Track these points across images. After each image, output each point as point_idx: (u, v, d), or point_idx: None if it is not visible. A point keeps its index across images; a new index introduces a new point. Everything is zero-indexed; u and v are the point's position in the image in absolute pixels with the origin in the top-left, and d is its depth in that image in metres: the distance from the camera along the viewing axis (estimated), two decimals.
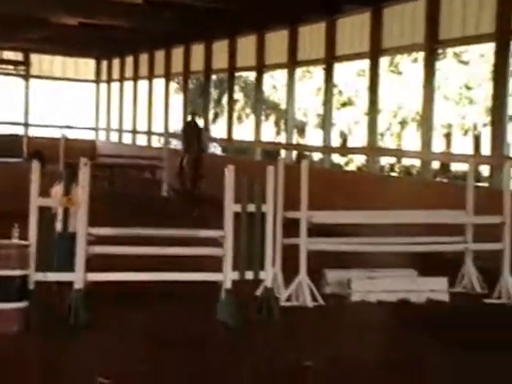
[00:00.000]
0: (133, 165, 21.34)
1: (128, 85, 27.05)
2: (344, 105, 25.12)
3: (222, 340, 6.79)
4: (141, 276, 7.43)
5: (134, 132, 26.55)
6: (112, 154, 23.53)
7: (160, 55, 24.28)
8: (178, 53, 23.15)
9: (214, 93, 25.77)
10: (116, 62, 28.24)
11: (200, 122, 18.90)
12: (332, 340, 6.93)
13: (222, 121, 24.61)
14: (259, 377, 5.87)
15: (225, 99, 24.04)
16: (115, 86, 28.36)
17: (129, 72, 26.89)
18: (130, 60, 26.71)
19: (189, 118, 18.08)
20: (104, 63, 29.36)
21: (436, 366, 6.25)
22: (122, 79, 27.61)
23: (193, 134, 16.72)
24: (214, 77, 23.23)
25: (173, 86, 26.01)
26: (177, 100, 24.85)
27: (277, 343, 6.73)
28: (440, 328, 7.45)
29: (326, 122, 16.73)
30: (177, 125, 23.99)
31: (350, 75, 23.34)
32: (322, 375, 5.97)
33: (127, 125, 27.08)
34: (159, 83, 24.76)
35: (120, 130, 27.88)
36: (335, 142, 21.46)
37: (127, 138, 27.36)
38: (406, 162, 22.96)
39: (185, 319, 7.35)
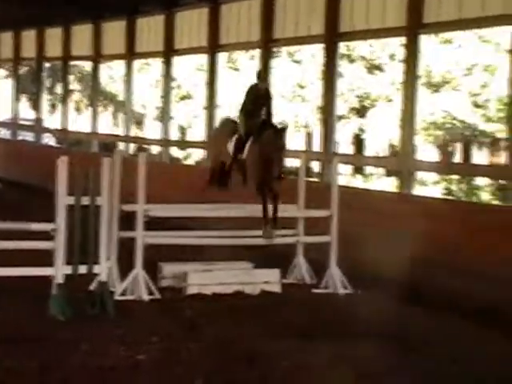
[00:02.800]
0: None
1: None
2: (183, 98, 25.18)
3: (52, 335, 6.60)
4: None
5: None
6: None
7: None
8: (7, 37, 22.11)
9: (47, 81, 24.85)
10: None
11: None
12: (166, 333, 6.94)
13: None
14: (88, 373, 5.76)
15: (60, 89, 23.29)
16: None
17: None
18: None
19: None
20: None
21: (269, 354, 6.43)
22: None
23: None
24: (47, 65, 22.42)
25: (2, 72, 24.82)
26: (7, 87, 23.74)
27: (109, 338, 6.64)
28: (272, 317, 7.67)
29: (164, 115, 16.69)
30: (5, 113, 22.91)
31: (189, 69, 23.43)
32: (154, 369, 5.97)
33: None
34: None
35: None
36: (174, 135, 21.46)
37: None
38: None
39: (17, 315, 7.09)
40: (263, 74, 9.86)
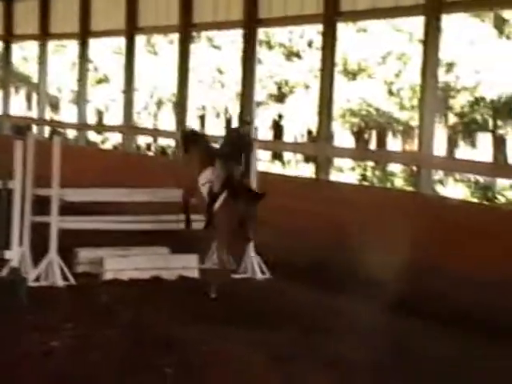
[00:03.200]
0: None
1: None
2: (100, 81, 24.72)
3: None
4: None
5: None
6: None
7: None
8: None
9: None
10: None
11: None
12: (81, 319, 6.84)
13: None
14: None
15: None
16: None
17: None
18: None
19: None
20: None
21: (186, 340, 6.43)
22: None
23: None
24: None
25: None
26: None
27: (22, 325, 6.48)
28: (189, 303, 7.66)
29: (80, 98, 16.35)
30: None
31: (107, 52, 23.00)
32: (68, 355, 5.87)
33: None
34: None
35: None
36: (91, 119, 21.05)
37: None
38: (162, 141, 23.22)
39: None
40: (246, 119, 9.52)
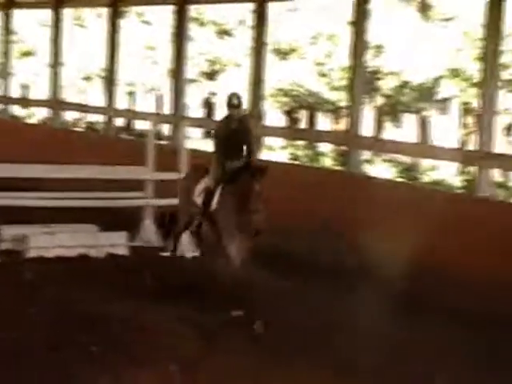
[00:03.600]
0: None
1: None
2: (25, 54, 24.04)
3: None
4: None
5: None
6: None
7: None
8: None
9: None
10: None
11: None
12: (3, 296, 6.70)
13: None
14: None
15: None
16: None
17: None
18: None
19: None
20: None
21: (113, 316, 6.39)
22: None
23: None
24: None
25: None
26: None
27: None
28: (117, 280, 7.60)
29: (4, 72, 15.88)
30: None
31: (33, 24, 22.39)
32: None
33: None
34: None
35: None
36: (15, 93, 20.46)
37: None
38: (90, 117, 22.81)
39: None
40: (235, 99, 7.14)
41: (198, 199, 7.27)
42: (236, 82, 21.03)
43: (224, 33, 22.42)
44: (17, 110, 20.85)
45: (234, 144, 6.99)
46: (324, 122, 21.65)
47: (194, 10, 17.34)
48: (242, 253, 6.88)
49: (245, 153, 7.09)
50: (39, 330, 5.93)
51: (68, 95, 23.09)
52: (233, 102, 7.03)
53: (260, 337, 6.16)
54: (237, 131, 7.02)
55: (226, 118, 7.16)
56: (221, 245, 7.04)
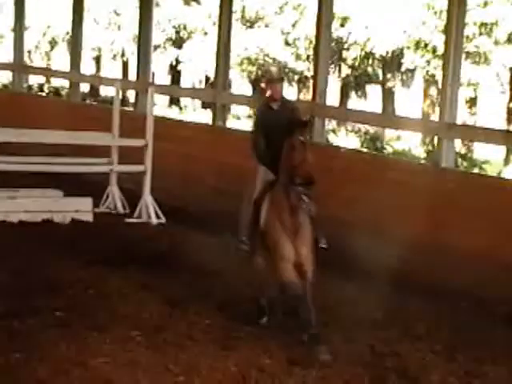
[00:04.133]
0: None
1: None
2: None
3: None
4: None
5: None
6: None
7: None
8: None
9: None
10: None
11: None
12: None
13: None
14: None
15: None
16: None
17: None
18: None
19: None
20: None
21: (75, 282, 6.42)
22: None
23: None
24: None
25: None
26: None
27: None
28: (81, 246, 7.62)
29: None
30: None
31: None
32: None
33: None
34: None
35: None
36: None
37: None
38: (55, 82, 22.52)
39: None
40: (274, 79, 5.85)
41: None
42: (202, 49, 20.93)
43: None
44: None
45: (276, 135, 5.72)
46: (290, 92, 21.71)
47: None
48: (308, 263, 5.45)
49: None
50: (2, 296, 5.92)
51: (32, 59, 22.78)
52: (272, 80, 5.78)
53: (227, 302, 6.22)
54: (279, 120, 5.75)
55: (265, 108, 5.96)
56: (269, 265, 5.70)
